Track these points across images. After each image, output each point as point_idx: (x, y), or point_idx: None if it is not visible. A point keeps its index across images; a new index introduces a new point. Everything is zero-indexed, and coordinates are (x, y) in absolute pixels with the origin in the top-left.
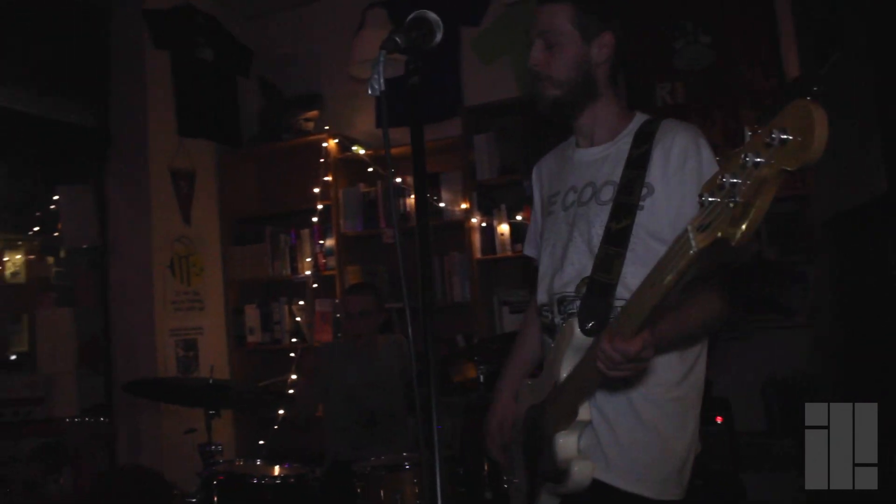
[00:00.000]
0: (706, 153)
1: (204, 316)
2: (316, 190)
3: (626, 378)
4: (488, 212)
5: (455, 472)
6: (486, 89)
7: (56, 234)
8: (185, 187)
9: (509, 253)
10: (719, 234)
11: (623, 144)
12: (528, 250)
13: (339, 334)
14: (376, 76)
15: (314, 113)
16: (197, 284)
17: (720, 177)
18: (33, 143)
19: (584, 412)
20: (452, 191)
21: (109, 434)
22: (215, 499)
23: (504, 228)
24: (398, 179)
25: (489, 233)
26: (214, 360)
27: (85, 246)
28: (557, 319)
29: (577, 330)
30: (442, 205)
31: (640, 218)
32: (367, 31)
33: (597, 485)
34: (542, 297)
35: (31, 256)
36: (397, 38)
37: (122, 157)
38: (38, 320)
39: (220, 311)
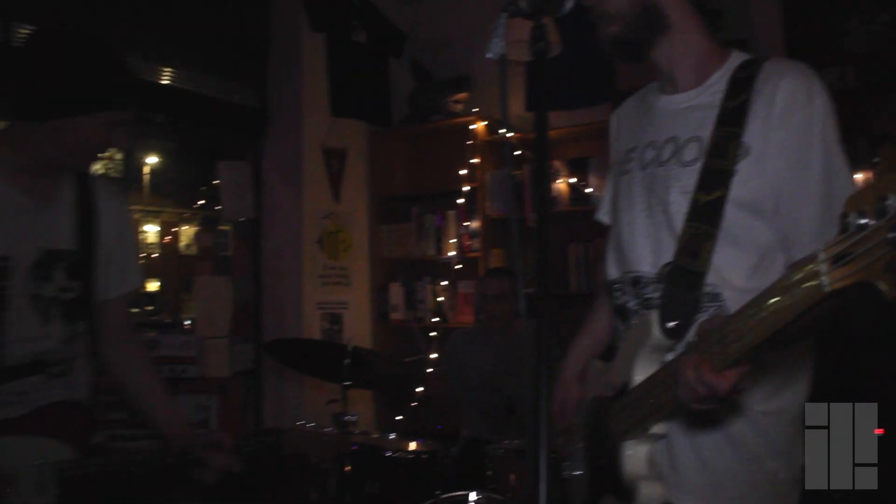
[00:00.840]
0: (820, 103)
1: (350, 291)
2: (463, 172)
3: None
4: None
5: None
6: (639, 73)
7: (218, 207)
8: (336, 165)
9: None
10: (867, 278)
11: (715, 92)
12: (601, 215)
13: (480, 317)
14: (496, 39)
15: (463, 95)
16: (344, 260)
17: (882, 193)
18: (200, 121)
19: (659, 426)
20: (601, 176)
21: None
22: (347, 468)
23: None
24: None
25: None
26: (358, 334)
27: (242, 219)
28: (632, 303)
29: (657, 328)
30: (589, 190)
31: (734, 187)
32: None
33: None
34: (612, 272)
35: (198, 228)
36: (521, 3)
37: (278, 135)
38: (198, 287)
39: (366, 288)
